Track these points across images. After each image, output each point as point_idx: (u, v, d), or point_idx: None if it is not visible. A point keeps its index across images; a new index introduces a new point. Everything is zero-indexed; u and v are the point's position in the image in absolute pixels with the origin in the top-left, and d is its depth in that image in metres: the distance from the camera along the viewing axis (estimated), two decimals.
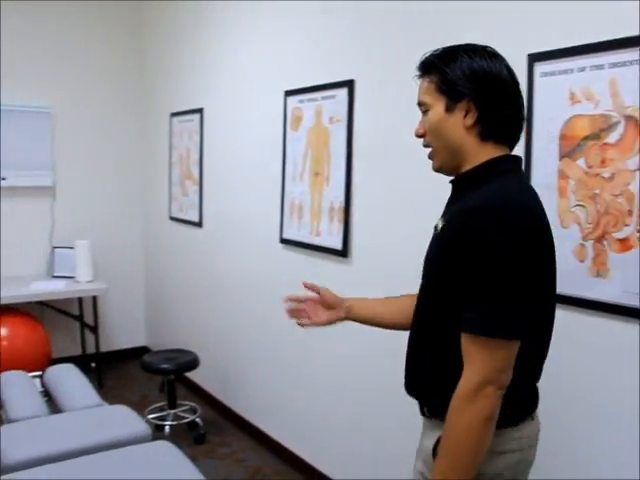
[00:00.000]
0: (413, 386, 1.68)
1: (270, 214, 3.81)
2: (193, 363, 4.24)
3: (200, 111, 4.59)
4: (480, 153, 1.56)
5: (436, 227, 1.62)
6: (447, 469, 1.46)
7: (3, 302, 4.71)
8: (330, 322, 2.00)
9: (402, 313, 1.84)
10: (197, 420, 4.33)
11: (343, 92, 3.15)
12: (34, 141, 5.17)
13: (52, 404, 3.19)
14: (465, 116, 1.54)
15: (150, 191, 5.62)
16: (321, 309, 2.01)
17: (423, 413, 1.68)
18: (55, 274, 5.22)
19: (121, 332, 5.81)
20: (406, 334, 1.71)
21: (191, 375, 4.94)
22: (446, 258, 1.52)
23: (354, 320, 2.00)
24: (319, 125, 3.33)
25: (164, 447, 2.58)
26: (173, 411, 4.32)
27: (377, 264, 3.03)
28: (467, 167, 1.58)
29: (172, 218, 5.15)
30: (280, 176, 3.67)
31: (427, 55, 1.62)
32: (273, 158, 3.75)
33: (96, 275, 5.21)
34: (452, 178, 1.65)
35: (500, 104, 1.54)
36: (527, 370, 1.55)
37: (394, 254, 2.92)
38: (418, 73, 1.63)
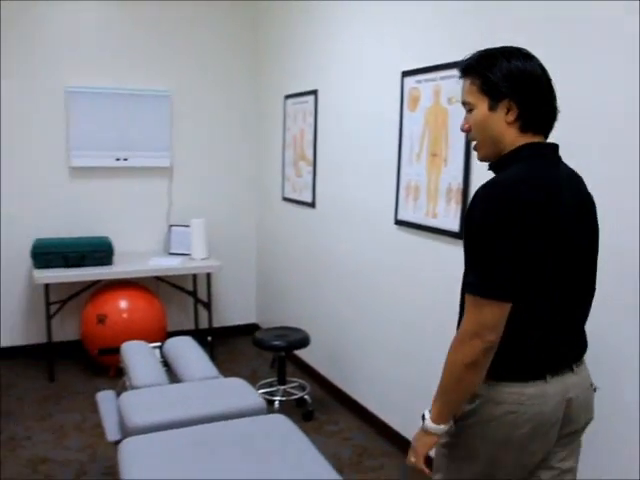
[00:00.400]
0: None
1: (385, 195, 3.80)
2: (304, 341, 4.30)
3: (314, 92, 4.62)
4: (519, 143, 1.75)
5: None
6: (435, 396, 1.75)
7: (123, 277, 4.94)
8: None
9: None
10: (306, 397, 4.39)
11: None
12: (153, 123, 5.37)
13: (171, 374, 3.31)
14: (507, 113, 1.74)
15: (264, 172, 5.73)
16: None
17: None
18: (171, 251, 5.41)
19: (232, 309, 5.97)
20: None
21: (300, 353, 5.02)
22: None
23: None
24: (437, 105, 3.28)
25: (279, 420, 2.63)
26: (283, 387, 4.40)
27: None
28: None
29: (285, 198, 5.22)
30: (396, 157, 3.65)
31: (467, 59, 1.80)
32: (389, 139, 3.73)
33: (210, 253, 5.36)
34: (488, 165, 1.86)
35: (537, 101, 1.74)
36: (528, 333, 1.72)
37: None
38: (460, 75, 1.83)
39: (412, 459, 1.78)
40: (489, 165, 1.84)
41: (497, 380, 1.72)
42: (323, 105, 4.54)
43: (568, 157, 1.89)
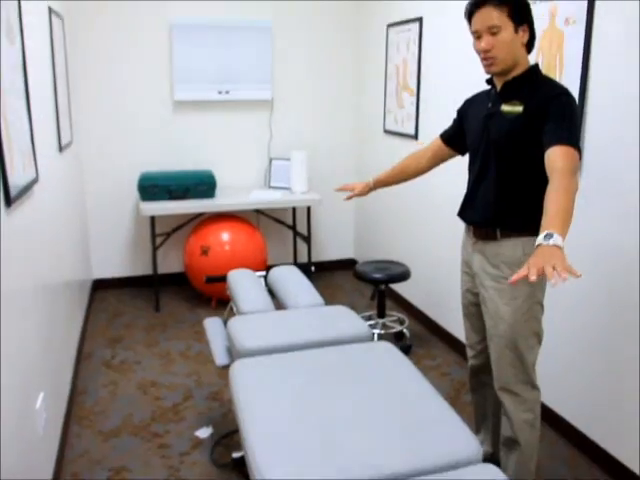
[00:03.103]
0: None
1: None
2: (405, 274, 4.27)
3: (419, 20, 4.46)
4: (525, 61, 2.37)
5: (509, 112, 2.37)
6: (560, 219, 2.00)
7: (225, 209, 5.02)
8: (363, 192, 3.20)
9: (410, 171, 3.11)
10: (404, 331, 4.39)
11: None
12: (255, 56, 5.36)
13: (275, 302, 3.35)
14: (523, 36, 2.31)
15: (365, 104, 5.64)
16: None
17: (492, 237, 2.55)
18: (272, 184, 5.45)
19: (331, 243, 6.01)
20: None
21: (398, 288, 5.01)
22: (533, 124, 2.27)
23: (382, 187, 3.23)
24: (552, 28, 3.11)
25: (386, 347, 2.63)
26: (382, 320, 4.41)
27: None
28: (518, 71, 2.36)
29: (387, 131, 5.13)
30: None
31: None
32: None
33: (310, 186, 5.36)
34: (507, 80, 2.39)
35: (533, 27, 2.34)
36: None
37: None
38: (491, 3, 2.25)
39: (558, 267, 1.85)
40: (510, 81, 2.38)
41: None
42: (428, 33, 4.38)
43: None
